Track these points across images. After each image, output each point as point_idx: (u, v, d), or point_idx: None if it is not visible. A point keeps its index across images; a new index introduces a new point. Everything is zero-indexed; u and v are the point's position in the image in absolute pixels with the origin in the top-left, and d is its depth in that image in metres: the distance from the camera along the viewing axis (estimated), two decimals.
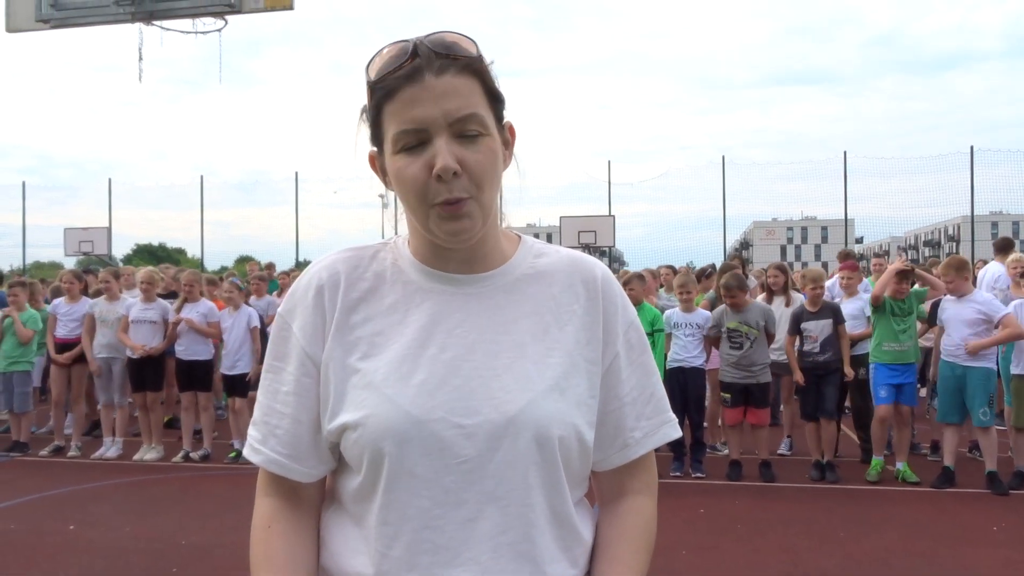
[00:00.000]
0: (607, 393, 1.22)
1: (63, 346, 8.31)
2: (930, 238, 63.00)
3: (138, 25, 10.88)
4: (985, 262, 9.71)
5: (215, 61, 11.11)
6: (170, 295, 8.79)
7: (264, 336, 7.71)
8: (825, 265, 38.80)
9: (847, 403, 7.77)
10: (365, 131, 1.18)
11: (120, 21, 10.86)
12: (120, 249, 36.39)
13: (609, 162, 22.77)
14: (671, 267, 11.35)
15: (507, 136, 1.19)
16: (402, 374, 1.13)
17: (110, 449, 7.97)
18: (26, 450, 8.15)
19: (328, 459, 1.21)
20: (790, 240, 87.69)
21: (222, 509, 6.08)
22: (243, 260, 23.51)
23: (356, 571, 1.15)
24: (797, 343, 7.00)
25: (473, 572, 1.10)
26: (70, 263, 20.67)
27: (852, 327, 7.15)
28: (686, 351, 7.11)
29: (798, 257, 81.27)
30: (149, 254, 44.97)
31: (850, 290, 7.62)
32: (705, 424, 7.77)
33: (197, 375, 7.89)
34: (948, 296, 6.78)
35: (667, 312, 7.40)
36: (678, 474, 6.90)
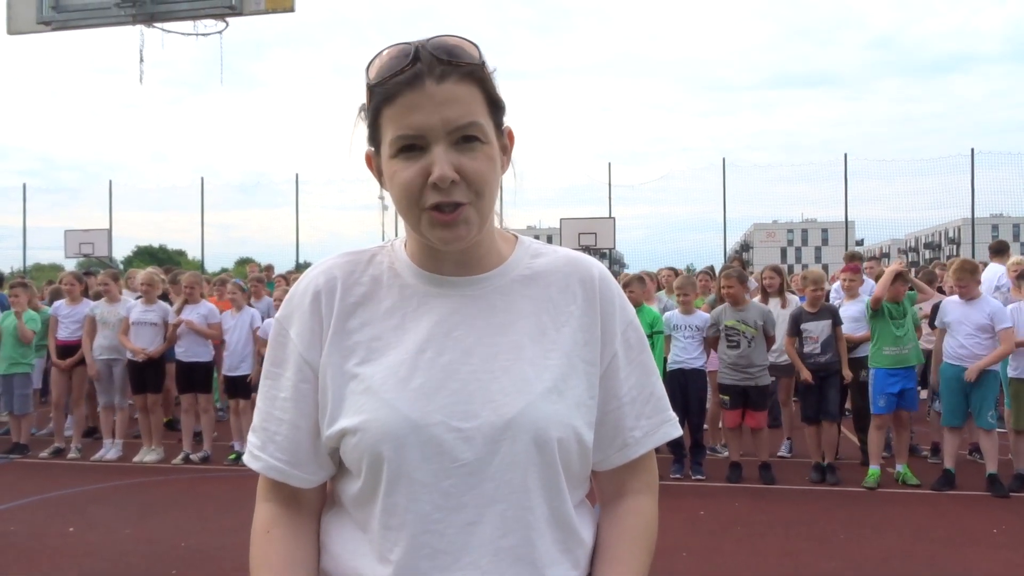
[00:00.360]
0: (606, 393, 1.22)
1: (64, 348, 8.31)
2: (930, 240, 62.95)
3: (139, 27, 10.90)
4: (985, 264, 9.70)
5: (216, 63, 11.10)
6: (162, 297, 8.78)
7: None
8: (826, 267, 38.81)
9: (847, 405, 7.78)
10: (362, 130, 1.18)
11: (121, 23, 10.87)
12: (120, 251, 36.48)
13: (610, 164, 22.85)
14: (672, 269, 11.35)
15: (506, 142, 1.19)
16: (400, 378, 1.13)
17: (110, 451, 7.97)
18: (26, 452, 8.15)
19: (328, 465, 1.21)
20: (790, 242, 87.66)
21: (222, 511, 6.08)
22: (243, 262, 23.54)
23: (357, 574, 1.15)
24: (797, 345, 7.00)
25: None
26: (70, 265, 20.69)
27: (854, 329, 7.14)
28: (686, 352, 7.11)
29: (798, 259, 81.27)
30: (150, 256, 44.94)
31: (851, 292, 7.62)
32: (706, 426, 7.78)
33: (197, 377, 7.89)
34: (952, 298, 6.76)
35: (667, 314, 7.41)
36: (678, 476, 6.90)
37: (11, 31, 11.02)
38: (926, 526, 5.66)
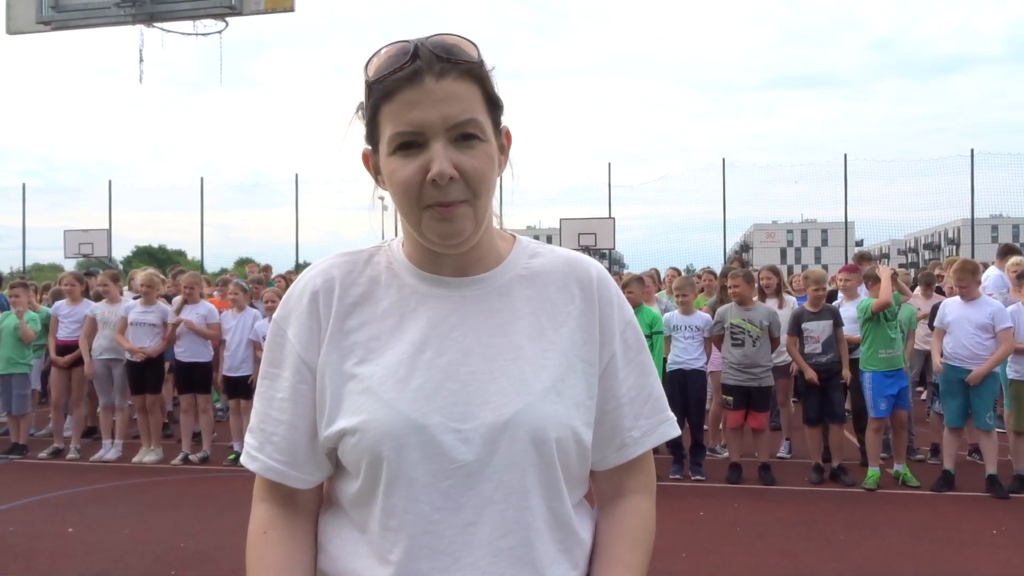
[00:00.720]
0: (604, 393, 1.22)
1: (64, 348, 8.31)
2: (930, 241, 62.98)
3: (139, 27, 10.88)
4: (986, 266, 9.70)
5: (216, 63, 11.08)
6: (166, 298, 8.78)
7: None
8: (825, 268, 38.78)
9: (847, 405, 7.77)
10: (359, 128, 1.18)
11: (121, 23, 10.86)
12: (120, 251, 36.48)
13: (609, 164, 22.77)
14: (676, 270, 11.34)
15: (503, 141, 1.19)
16: (399, 379, 1.12)
17: (109, 451, 7.96)
18: (25, 452, 8.14)
19: (325, 465, 1.20)
20: (790, 243, 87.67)
21: (221, 511, 6.08)
22: (243, 262, 23.53)
23: (356, 575, 1.15)
24: (799, 345, 6.99)
25: None
26: (70, 265, 20.69)
27: (853, 330, 7.14)
28: (686, 353, 7.11)
29: (798, 260, 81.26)
30: (149, 256, 44.95)
31: (850, 293, 7.62)
32: (706, 427, 7.77)
33: (196, 377, 7.89)
34: (953, 299, 6.76)
35: (666, 315, 7.41)
36: (678, 476, 6.89)
37: (10, 31, 11.00)
38: (926, 527, 5.66)
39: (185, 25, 11.02)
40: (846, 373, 6.86)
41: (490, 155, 1.12)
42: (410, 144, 1.09)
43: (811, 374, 6.82)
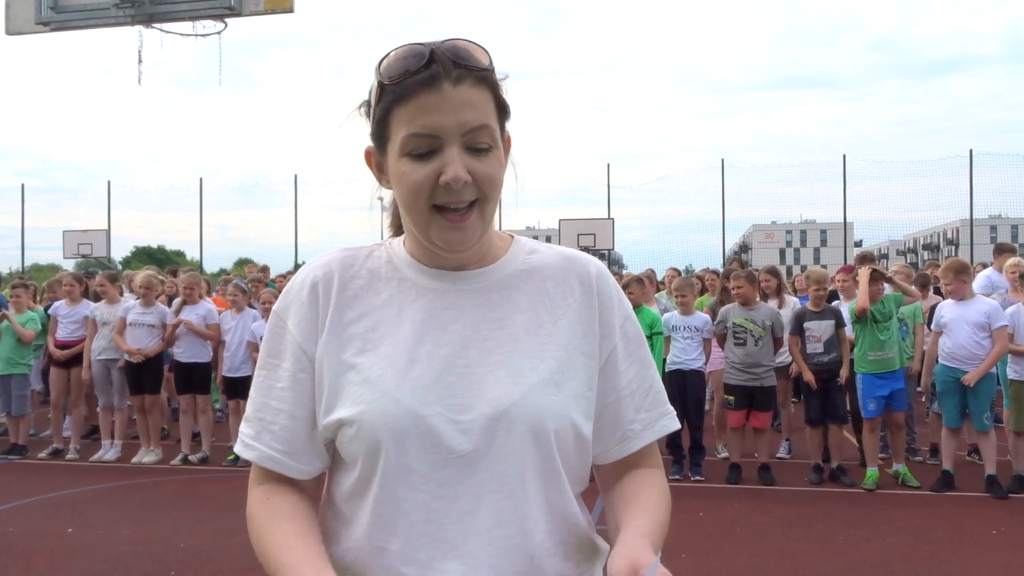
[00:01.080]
0: (605, 386, 1.22)
1: (63, 349, 8.31)
2: (929, 242, 62.99)
3: (138, 28, 10.88)
4: (985, 266, 9.70)
5: (215, 63, 11.10)
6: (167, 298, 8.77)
7: None
8: (825, 268, 38.73)
9: (848, 406, 7.77)
10: (359, 125, 1.19)
11: (120, 24, 10.85)
12: (119, 252, 36.42)
13: (608, 165, 22.70)
14: (675, 270, 11.35)
15: (505, 145, 1.20)
16: (398, 369, 1.13)
17: (108, 452, 7.96)
18: (24, 453, 8.14)
19: (323, 456, 1.21)
20: (789, 243, 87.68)
21: (220, 512, 6.07)
22: (242, 262, 23.53)
23: (352, 567, 1.16)
24: (801, 345, 6.99)
25: (469, 565, 1.11)
26: (69, 265, 20.68)
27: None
28: (685, 353, 7.12)
29: (797, 260, 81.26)
30: (148, 256, 44.92)
31: (848, 293, 7.62)
32: (713, 424, 7.78)
33: (196, 378, 7.89)
34: (947, 300, 6.76)
35: (665, 315, 7.42)
36: (677, 477, 6.89)
37: (9, 31, 11.00)
38: (925, 527, 5.66)
39: (184, 26, 11.02)
40: (844, 373, 6.85)
41: (501, 161, 1.14)
42: (423, 148, 1.09)
43: (809, 376, 6.82)
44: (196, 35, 10.98)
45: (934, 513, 6.01)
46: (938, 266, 10.67)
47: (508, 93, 1.17)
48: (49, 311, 8.75)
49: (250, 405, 1.21)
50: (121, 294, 8.55)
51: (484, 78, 1.11)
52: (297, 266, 21.16)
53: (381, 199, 1.26)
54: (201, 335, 7.83)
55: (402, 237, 1.26)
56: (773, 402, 7.19)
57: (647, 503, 1.19)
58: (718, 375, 7.56)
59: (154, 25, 10.89)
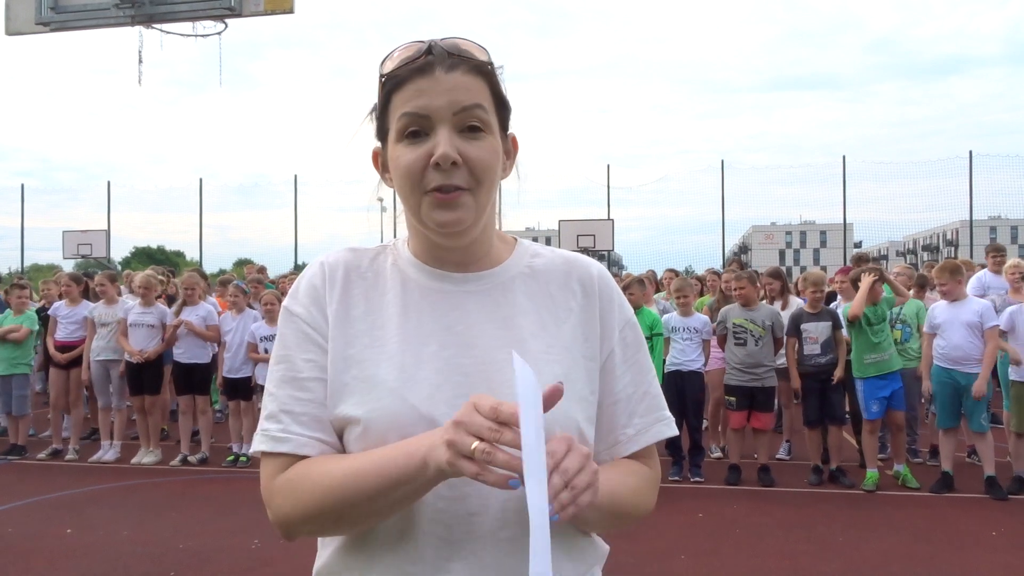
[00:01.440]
0: (602, 389, 1.23)
1: (63, 349, 8.31)
2: (929, 243, 63.03)
3: (138, 28, 10.89)
4: (984, 267, 9.69)
5: (215, 64, 11.10)
6: (166, 298, 8.77)
7: None
8: (824, 269, 38.76)
9: (847, 407, 7.77)
10: (370, 128, 1.20)
11: (120, 24, 10.86)
12: (119, 252, 36.43)
13: (608, 166, 22.69)
14: (673, 271, 11.38)
15: (510, 146, 1.21)
16: (405, 370, 1.13)
17: (108, 452, 7.96)
18: (23, 453, 8.14)
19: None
20: (788, 244, 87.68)
21: (220, 513, 6.07)
22: (242, 263, 23.53)
23: (359, 567, 1.15)
24: (798, 347, 7.00)
25: (474, 566, 1.11)
26: (68, 266, 20.67)
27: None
28: (684, 355, 7.13)
29: (796, 261, 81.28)
30: (148, 257, 44.93)
31: (847, 295, 7.62)
32: (706, 424, 7.78)
33: (195, 379, 7.89)
34: (940, 302, 6.76)
35: (665, 316, 7.42)
36: (676, 478, 6.89)
37: (9, 32, 11.00)
38: (925, 528, 5.66)
39: (184, 26, 11.02)
40: (838, 373, 6.84)
41: (495, 148, 1.14)
42: (416, 131, 1.11)
43: (796, 384, 6.91)
44: (196, 35, 10.99)
45: (934, 514, 6.01)
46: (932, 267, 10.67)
47: (508, 91, 1.18)
48: (48, 312, 8.76)
49: (271, 401, 1.17)
50: (119, 294, 8.54)
51: (479, 68, 1.13)
52: (297, 266, 21.17)
53: (381, 200, 1.27)
54: (201, 336, 7.83)
55: (406, 238, 1.26)
56: (774, 402, 7.20)
57: (613, 470, 1.20)
58: (713, 375, 7.58)
59: (154, 25, 10.89)
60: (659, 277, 12.05)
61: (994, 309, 7.36)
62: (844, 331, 6.99)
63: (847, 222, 21.96)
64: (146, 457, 7.80)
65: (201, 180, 24.12)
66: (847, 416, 7.73)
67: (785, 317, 7.24)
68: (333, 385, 1.15)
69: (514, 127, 1.22)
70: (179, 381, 7.97)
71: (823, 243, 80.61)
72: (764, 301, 7.76)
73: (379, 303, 1.20)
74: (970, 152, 20.06)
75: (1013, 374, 6.59)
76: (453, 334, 1.16)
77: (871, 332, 6.69)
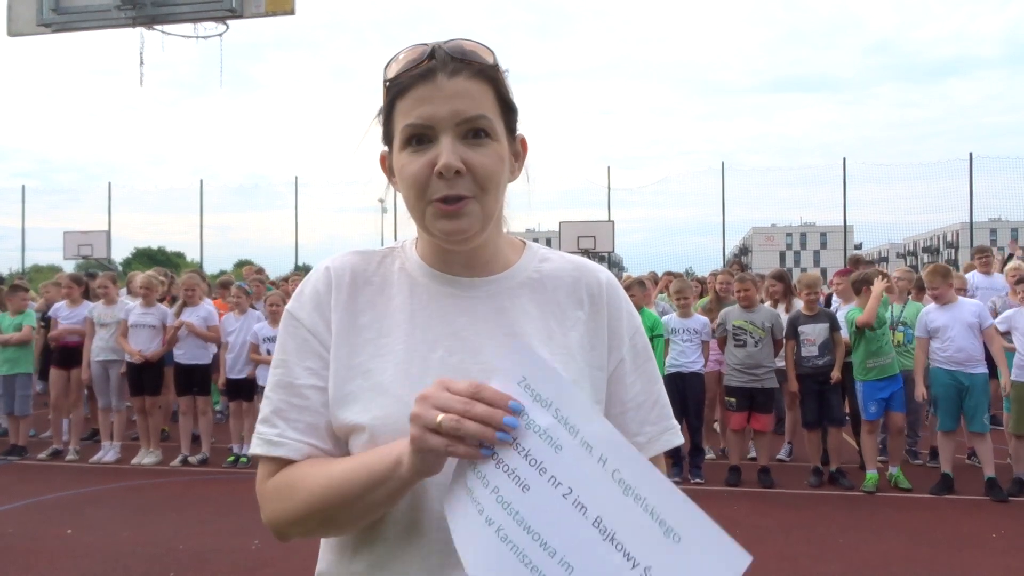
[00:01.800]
0: (611, 398, 1.22)
1: (63, 349, 8.32)
2: (929, 244, 63.02)
3: (139, 29, 10.89)
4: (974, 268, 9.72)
5: (216, 65, 11.09)
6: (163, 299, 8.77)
7: None
8: (824, 271, 38.79)
9: (846, 409, 7.77)
10: (377, 131, 1.19)
11: (121, 25, 10.86)
12: (119, 253, 36.45)
13: (609, 167, 22.75)
14: (672, 273, 11.38)
15: (518, 148, 1.20)
16: (412, 377, 1.13)
17: (108, 453, 7.96)
18: (24, 454, 8.14)
19: (344, 446, 1.19)
20: (789, 246, 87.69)
21: (220, 514, 6.07)
22: (242, 264, 23.54)
23: (362, 571, 1.15)
24: (795, 349, 7.00)
25: None
26: (69, 266, 20.67)
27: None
28: (684, 356, 7.14)
29: (797, 263, 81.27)
30: (148, 258, 44.92)
31: (847, 297, 7.63)
32: (716, 425, 7.79)
33: (196, 379, 7.89)
34: (931, 305, 6.75)
35: (665, 317, 7.43)
36: (676, 479, 6.89)
37: (11, 33, 11.01)
38: (925, 530, 5.66)
39: (185, 28, 11.02)
40: (835, 374, 6.85)
41: (500, 155, 1.13)
42: (420, 138, 1.10)
43: (793, 387, 6.94)
44: (197, 37, 10.98)
45: (934, 516, 6.01)
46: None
47: (514, 93, 1.17)
48: (49, 313, 8.77)
49: (267, 405, 1.18)
50: (118, 296, 8.55)
51: (483, 72, 1.12)
52: (297, 268, 21.18)
53: (382, 201, 1.26)
54: (202, 337, 7.83)
55: (414, 240, 1.26)
56: (774, 404, 7.20)
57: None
58: (710, 376, 7.59)
59: (155, 27, 10.89)
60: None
61: (995, 310, 7.41)
62: (843, 333, 7.00)
63: (847, 224, 21.94)
64: (146, 458, 7.80)
65: (202, 181, 24.13)
66: (846, 417, 7.74)
67: (786, 319, 7.25)
68: (337, 393, 1.15)
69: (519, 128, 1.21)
70: (179, 382, 7.98)
71: (823, 245, 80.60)
72: (767, 303, 7.78)
73: (386, 308, 1.19)
74: (970, 154, 20.05)
75: (1015, 376, 6.59)
76: (460, 339, 1.16)
77: (872, 337, 6.69)
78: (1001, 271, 9.23)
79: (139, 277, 8.48)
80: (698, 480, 6.90)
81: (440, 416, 0.94)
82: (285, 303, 1.30)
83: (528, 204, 1.26)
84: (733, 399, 6.97)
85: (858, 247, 30.91)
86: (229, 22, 10.76)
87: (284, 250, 23.52)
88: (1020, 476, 6.48)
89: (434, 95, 1.09)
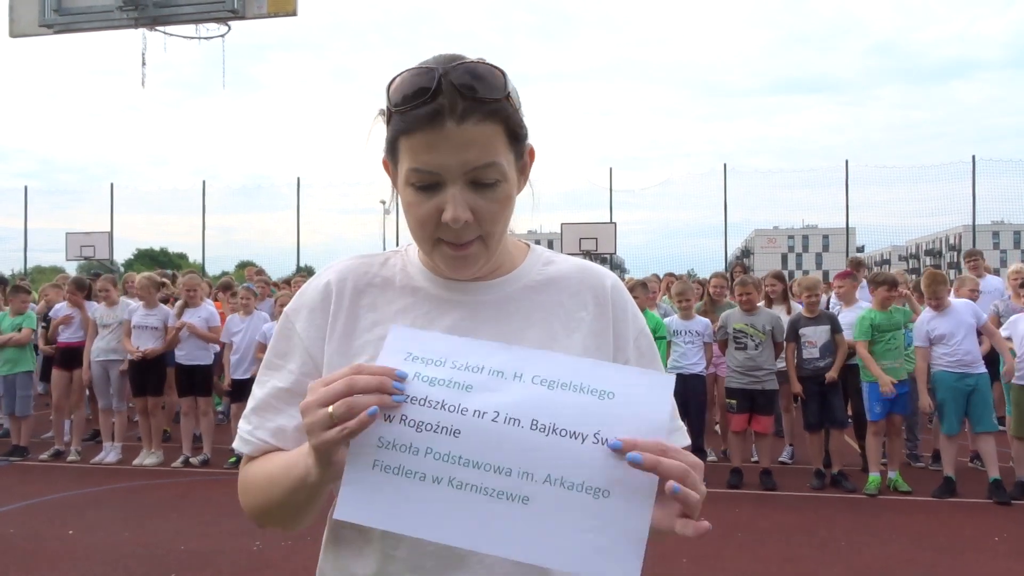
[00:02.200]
0: None
1: (66, 350, 8.33)
2: (931, 247, 62.94)
3: (141, 30, 10.89)
4: (995, 271, 9.73)
5: (218, 66, 11.10)
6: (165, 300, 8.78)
7: None
8: (826, 274, 38.74)
9: (849, 411, 7.76)
10: (378, 132, 1.17)
11: (123, 26, 10.86)
12: (121, 254, 36.39)
13: (611, 169, 22.75)
14: (673, 275, 11.38)
15: (526, 160, 1.18)
16: None
17: (110, 454, 7.96)
18: (26, 454, 8.14)
19: None
20: (791, 248, 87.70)
21: (221, 515, 6.07)
22: (244, 265, 23.55)
23: (360, 573, 1.15)
24: (797, 351, 6.99)
25: (478, 575, 1.10)
26: (72, 267, 20.69)
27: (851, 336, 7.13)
28: (685, 358, 7.14)
29: (799, 266, 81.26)
30: (150, 259, 44.99)
31: (847, 299, 7.62)
32: (717, 426, 7.78)
33: (197, 380, 7.89)
34: (929, 313, 6.73)
35: (666, 319, 7.43)
36: None
37: (13, 34, 11.02)
38: (927, 533, 5.65)
39: (188, 29, 11.02)
40: (831, 375, 6.83)
41: (508, 195, 1.12)
42: (426, 183, 1.08)
43: (796, 388, 6.92)
44: (199, 38, 10.99)
45: (936, 519, 5.99)
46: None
47: (524, 115, 1.14)
48: (50, 313, 8.78)
49: (251, 401, 1.20)
50: (119, 297, 8.55)
51: (494, 112, 1.06)
52: (299, 269, 21.19)
53: (384, 203, 1.26)
54: (203, 338, 7.84)
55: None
56: (774, 406, 7.20)
57: None
58: (707, 379, 7.59)
59: (157, 28, 10.90)
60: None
61: (997, 313, 7.42)
62: (847, 334, 6.99)
63: (849, 226, 21.93)
64: (148, 459, 7.80)
65: (204, 182, 24.14)
66: (849, 420, 7.73)
67: (786, 322, 7.24)
68: None
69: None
70: (181, 382, 7.98)
71: (825, 247, 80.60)
72: (762, 304, 7.78)
73: (387, 313, 1.19)
74: (973, 156, 20.05)
75: (1017, 378, 6.57)
76: None
77: (884, 340, 6.69)
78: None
79: (138, 278, 8.49)
80: None
81: (330, 408, 0.93)
82: None
83: (531, 207, 1.24)
84: (734, 401, 6.97)
85: (860, 250, 30.90)
86: (231, 23, 10.76)
87: (286, 251, 23.53)
88: (1022, 479, 6.47)
89: (440, 144, 1.04)
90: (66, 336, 8.38)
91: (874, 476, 6.70)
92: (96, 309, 8.12)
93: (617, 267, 25.49)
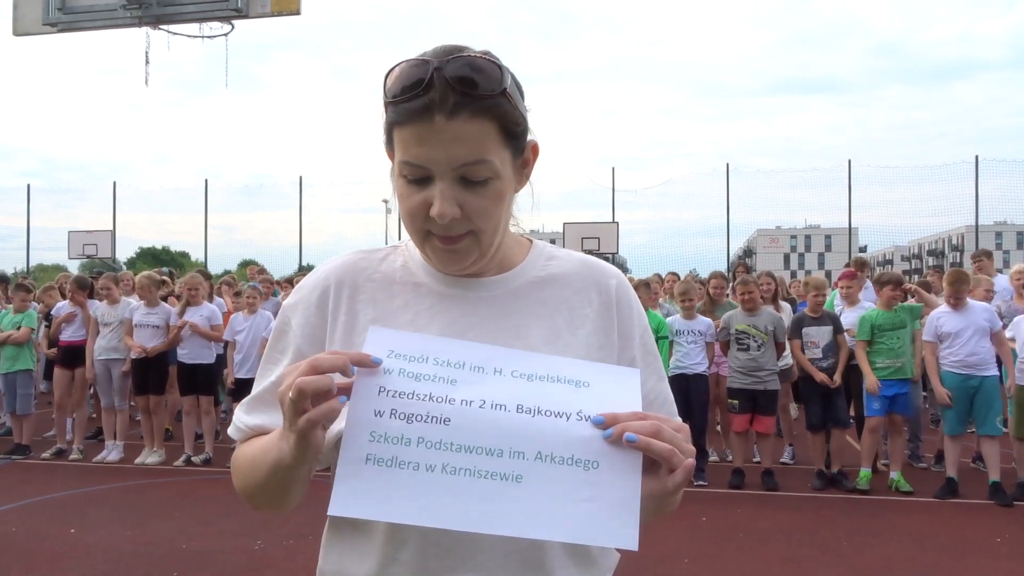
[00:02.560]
0: None
1: (67, 349, 8.34)
2: (934, 247, 62.91)
3: (145, 29, 10.92)
4: (1000, 271, 9.71)
5: (221, 65, 11.17)
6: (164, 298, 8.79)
7: None
8: (828, 274, 38.68)
9: (851, 412, 7.75)
10: (369, 125, 1.19)
11: (127, 25, 10.89)
12: (124, 252, 36.40)
13: (613, 169, 22.73)
14: (675, 274, 11.37)
15: (528, 156, 1.16)
16: None
17: (111, 453, 7.97)
18: (27, 453, 8.15)
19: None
20: (793, 248, 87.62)
21: (223, 514, 6.07)
22: (246, 264, 23.55)
23: (364, 572, 1.14)
24: (800, 349, 7.00)
25: None
26: (74, 266, 20.71)
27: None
28: (688, 358, 7.13)
29: (801, 265, 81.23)
30: (153, 257, 45.02)
31: (851, 299, 7.61)
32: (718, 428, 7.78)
33: (199, 379, 7.90)
34: (943, 309, 6.73)
35: (669, 319, 7.43)
36: None
37: (17, 32, 11.04)
38: (928, 534, 5.64)
39: (191, 28, 11.06)
40: (836, 377, 6.83)
41: (499, 192, 1.10)
42: (416, 176, 1.08)
43: (821, 376, 6.82)
44: (203, 37, 11.01)
45: (937, 520, 5.99)
46: (939, 272, 10.68)
47: (523, 108, 1.11)
48: (52, 312, 8.78)
49: (252, 392, 1.22)
50: (120, 296, 8.56)
51: (486, 108, 1.04)
52: (302, 268, 21.19)
53: (386, 201, 1.26)
54: (206, 336, 7.84)
55: None
56: (776, 406, 7.19)
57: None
58: (711, 379, 7.59)
59: (161, 27, 10.93)
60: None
61: (1000, 313, 7.40)
62: (849, 336, 6.99)
63: (852, 226, 21.91)
64: (150, 457, 7.81)
65: (206, 181, 24.16)
66: (851, 420, 7.72)
67: (783, 321, 7.25)
68: None
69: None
70: (183, 381, 7.99)
71: (828, 247, 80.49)
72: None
73: (387, 308, 1.18)
74: (976, 157, 20.04)
75: (1018, 378, 6.57)
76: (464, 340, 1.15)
77: (888, 338, 6.68)
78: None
79: (137, 278, 8.51)
80: (701, 483, 6.88)
81: (290, 393, 0.94)
82: None
83: (532, 206, 1.24)
84: (736, 401, 6.97)
85: (863, 250, 30.85)
86: (234, 22, 10.78)
87: (288, 250, 23.54)
88: None
89: (430, 137, 1.03)
90: (68, 334, 8.39)
91: (865, 471, 6.71)
92: (98, 307, 8.13)
93: (619, 267, 25.39)
